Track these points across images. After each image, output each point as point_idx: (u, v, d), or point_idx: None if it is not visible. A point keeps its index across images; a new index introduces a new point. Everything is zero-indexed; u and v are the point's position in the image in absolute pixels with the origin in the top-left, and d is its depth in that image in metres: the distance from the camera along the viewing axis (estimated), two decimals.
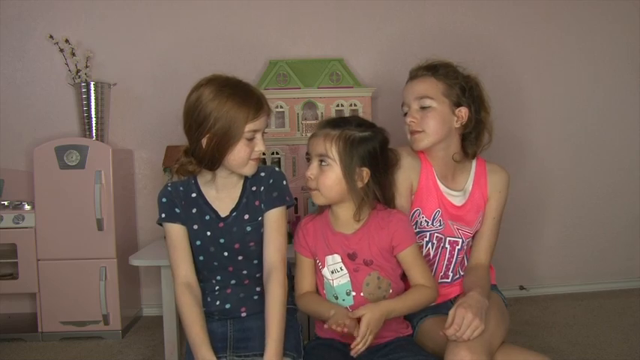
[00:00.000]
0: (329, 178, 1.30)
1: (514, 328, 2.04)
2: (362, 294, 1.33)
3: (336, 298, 1.34)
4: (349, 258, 1.34)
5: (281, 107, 2.47)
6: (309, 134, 2.42)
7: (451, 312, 1.21)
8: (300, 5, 2.68)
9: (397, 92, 2.69)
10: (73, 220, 2.30)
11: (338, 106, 2.50)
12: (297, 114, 2.48)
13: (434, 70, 1.45)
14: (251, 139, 1.27)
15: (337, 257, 1.34)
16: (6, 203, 2.41)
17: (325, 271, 1.35)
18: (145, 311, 2.70)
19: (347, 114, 2.48)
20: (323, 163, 1.31)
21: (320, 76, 2.53)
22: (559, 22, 2.79)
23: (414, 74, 1.49)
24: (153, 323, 2.52)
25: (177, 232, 1.33)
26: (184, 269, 1.32)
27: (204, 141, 1.25)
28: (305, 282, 1.38)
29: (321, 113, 2.48)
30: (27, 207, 2.36)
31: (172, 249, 1.33)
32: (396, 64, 2.64)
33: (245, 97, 1.26)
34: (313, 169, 1.32)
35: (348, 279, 1.33)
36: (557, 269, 2.87)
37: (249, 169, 1.31)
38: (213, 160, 1.27)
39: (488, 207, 1.50)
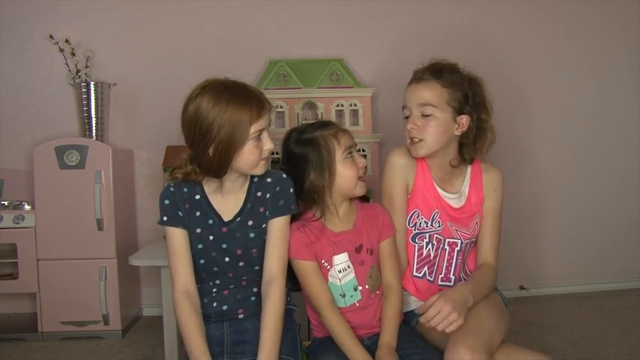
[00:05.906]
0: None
1: (514, 328, 2.04)
2: (367, 286, 1.36)
3: (343, 296, 1.35)
4: (356, 251, 1.36)
5: (281, 107, 2.47)
6: None
7: (432, 298, 1.23)
8: (300, 5, 2.68)
9: (397, 92, 2.68)
10: (73, 220, 2.30)
11: (338, 106, 2.50)
12: (297, 114, 2.48)
13: (439, 74, 1.41)
14: (258, 139, 1.25)
15: (345, 255, 1.36)
16: (6, 203, 2.41)
17: (333, 272, 1.35)
18: (145, 311, 2.70)
19: (347, 114, 2.49)
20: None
21: (320, 76, 2.53)
22: (559, 23, 2.79)
23: (419, 77, 1.44)
24: (153, 323, 2.52)
25: (178, 236, 1.29)
26: (184, 276, 1.28)
27: (210, 150, 1.23)
28: (322, 287, 1.33)
29: (321, 113, 2.48)
30: (27, 207, 2.37)
31: (173, 254, 1.29)
32: (396, 63, 2.64)
33: (245, 98, 1.24)
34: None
35: (354, 275, 1.35)
36: (557, 269, 2.87)
37: (260, 169, 1.29)
38: (220, 167, 1.25)
39: (486, 206, 1.50)
